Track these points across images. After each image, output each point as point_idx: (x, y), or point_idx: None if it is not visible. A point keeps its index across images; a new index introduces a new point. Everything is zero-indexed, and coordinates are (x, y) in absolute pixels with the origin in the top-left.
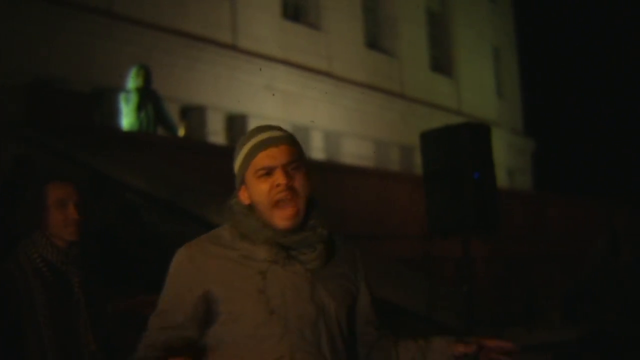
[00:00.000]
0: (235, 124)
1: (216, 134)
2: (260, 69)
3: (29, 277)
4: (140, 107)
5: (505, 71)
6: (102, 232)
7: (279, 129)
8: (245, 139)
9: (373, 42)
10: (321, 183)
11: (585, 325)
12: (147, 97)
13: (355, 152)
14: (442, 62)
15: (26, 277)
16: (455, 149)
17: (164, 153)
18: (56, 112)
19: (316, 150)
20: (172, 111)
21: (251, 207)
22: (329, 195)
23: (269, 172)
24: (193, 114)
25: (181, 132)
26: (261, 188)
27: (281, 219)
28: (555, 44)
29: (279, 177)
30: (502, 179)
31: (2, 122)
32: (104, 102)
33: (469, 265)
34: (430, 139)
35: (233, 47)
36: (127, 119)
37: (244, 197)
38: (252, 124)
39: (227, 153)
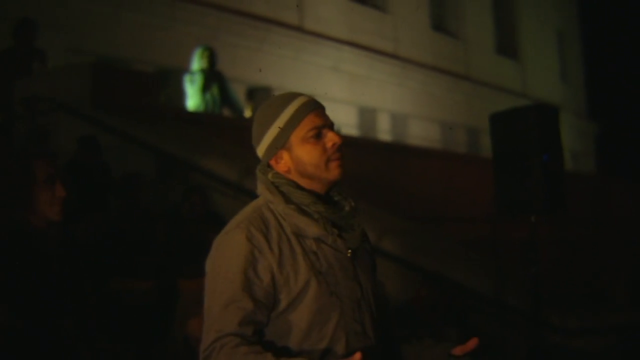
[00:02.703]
0: None
1: None
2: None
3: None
4: (205, 89)
5: (569, 55)
6: (169, 213)
7: (302, 93)
8: (277, 105)
9: (439, 25)
10: (388, 165)
11: None
12: (212, 79)
13: (421, 134)
14: (507, 45)
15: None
16: (524, 131)
17: (229, 134)
18: (121, 93)
19: (383, 132)
20: (238, 92)
21: (289, 178)
22: (395, 177)
23: (319, 132)
24: (259, 95)
25: (247, 113)
26: (314, 148)
27: (335, 167)
28: (619, 28)
29: (334, 137)
30: (566, 162)
31: (67, 102)
32: (169, 83)
33: (536, 247)
34: (499, 121)
35: (299, 29)
36: (192, 100)
37: (281, 164)
38: None
39: None
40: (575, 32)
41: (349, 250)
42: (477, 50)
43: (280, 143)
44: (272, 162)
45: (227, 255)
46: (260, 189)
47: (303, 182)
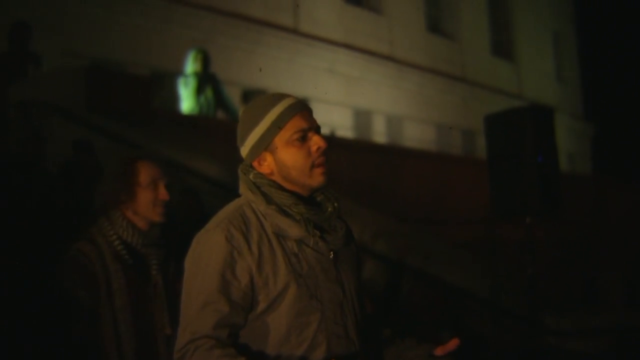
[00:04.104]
0: None
1: None
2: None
3: (107, 260)
4: (199, 91)
5: (565, 55)
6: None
7: (290, 95)
8: (262, 106)
9: (434, 26)
10: (383, 167)
11: None
12: (206, 81)
13: (417, 135)
14: (502, 46)
15: (104, 260)
16: (519, 132)
17: (223, 137)
18: (115, 96)
19: (378, 134)
20: (233, 95)
21: (271, 179)
22: (391, 179)
23: (304, 135)
24: (254, 97)
25: None
26: (298, 152)
27: (319, 174)
28: (615, 29)
29: (319, 141)
30: (562, 163)
31: (61, 105)
32: (164, 86)
33: (531, 249)
34: (494, 122)
35: (294, 31)
36: (186, 103)
37: (264, 166)
38: (314, 108)
39: None
40: (571, 33)
41: (331, 252)
42: (473, 51)
43: (264, 145)
44: (255, 164)
45: (205, 255)
46: (242, 188)
47: (285, 184)
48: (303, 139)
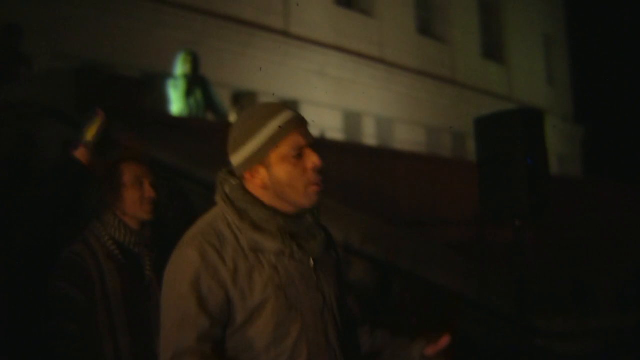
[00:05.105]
0: None
1: None
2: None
3: (101, 260)
4: (188, 93)
5: (556, 58)
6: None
7: (289, 106)
8: (260, 117)
9: (425, 29)
10: (373, 169)
11: None
12: (195, 83)
13: (407, 138)
14: (493, 49)
15: (98, 261)
16: (509, 134)
17: (213, 139)
18: (105, 97)
19: (368, 136)
20: (223, 97)
21: (249, 193)
22: (380, 181)
23: (301, 152)
24: (244, 100)
25: (232, 118)
26: (294, 169)
27: (313, 194)
28: (606, 31)
29: (315, 159)
30: (552, 165)
31: (51, 107)
32: (154, 87)
33: (521, 251)
34: (484, 125)
35: (285, 33)
36: (176, 105)
37: (257, 179)
38: (304, 110)
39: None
40: (562, 35)
41: (311, 260)
42: (463, 54)
43: (259, 159)
44: (247, 175)
45: (180, 271)
46: (217, 197)
47: (270, 199)
48: (299, 156)
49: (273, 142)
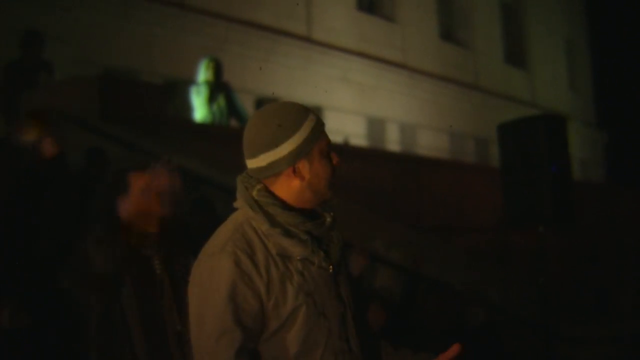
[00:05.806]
0: None
1: None
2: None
3: (113, 263)
4: (211, 100)
5: (578, 63)
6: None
7: None
8: (297, 112)
9: (447, 34)
10: (397, 175)
11: None
12: (218, 90)
13: (430, 144)
14: (515, 55)
15: (110, 264)
16: (532, 140)
17: (237, 145)
18: (128, 104)
19: (392, 142)
20: (246, 103)
21: (278, 197)
22: (404, 187)
23: (330, 149)
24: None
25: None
26: (329, 164)
27: (331, 187)
28: (628, 36)
29: (335, 156)
30: (575, 171)
31: (74, 114)
32: (177, 94)
33: (544, 257)
34: (507, 131)
35: (307, 39)
36: (199, 112)
37: (296, 176)
38: (327, 116)
39: None
40: (584, 41)
41: (331, 266)
42: (486, 59)
43: (306, 151)
44: (287, 173)
45: (214, 281)
46: (240, 202)
47: (295, 201)
48: (330, 152)
49: (314, 137)
